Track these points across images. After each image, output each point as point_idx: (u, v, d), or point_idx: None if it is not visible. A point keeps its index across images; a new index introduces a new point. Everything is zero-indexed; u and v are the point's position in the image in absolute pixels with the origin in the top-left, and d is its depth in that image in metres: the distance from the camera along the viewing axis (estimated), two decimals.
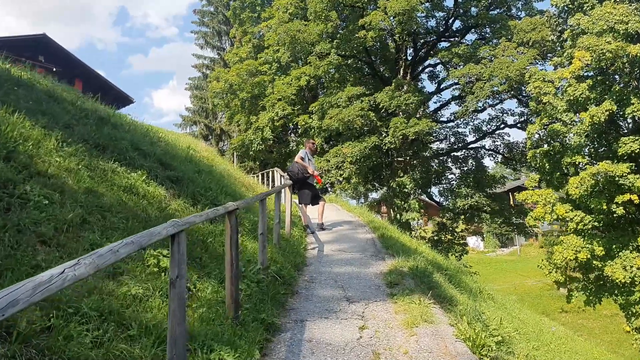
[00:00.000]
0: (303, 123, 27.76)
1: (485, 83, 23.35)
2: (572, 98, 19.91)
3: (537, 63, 24.04)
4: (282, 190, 10.54)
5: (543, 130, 22.26)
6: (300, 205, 11.25)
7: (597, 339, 33.02)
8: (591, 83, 20.01)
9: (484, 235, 39.63)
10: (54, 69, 36.11)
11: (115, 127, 9.09)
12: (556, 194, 21.74)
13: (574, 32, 20.80)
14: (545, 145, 22.70)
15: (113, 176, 6.60)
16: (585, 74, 20.71)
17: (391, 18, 23.78)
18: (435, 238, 28.57)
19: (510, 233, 44.40)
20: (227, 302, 4.53)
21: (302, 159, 10.85)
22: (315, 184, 10.93)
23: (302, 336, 4.58)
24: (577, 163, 21.11)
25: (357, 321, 5.03)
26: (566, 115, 20.81)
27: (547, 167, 22.18)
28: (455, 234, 29.26)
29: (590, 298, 20.86)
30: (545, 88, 20.39)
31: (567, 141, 22.06)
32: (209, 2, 47.87)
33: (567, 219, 20.44)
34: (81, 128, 7.75)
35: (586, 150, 21.35)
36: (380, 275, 7.05)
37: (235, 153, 34.41)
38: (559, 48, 24.03)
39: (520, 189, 54.67)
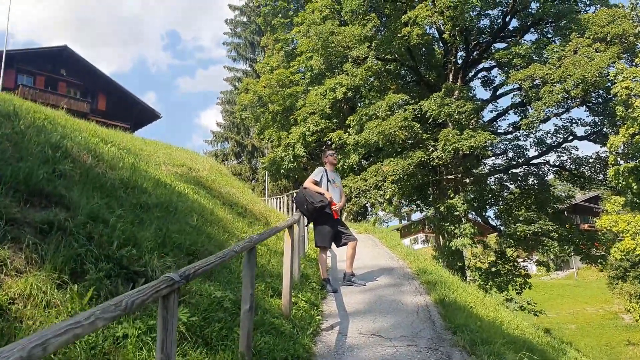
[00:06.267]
0: (337, 139, 24.41)
1: (554, 86, 19.42)
2: None
3: (617, 62, 19.91)
4: (284, 233, 6.42)
5: (629, 142, 18.24)
6: (318, 251, 7.72)
7: None
8: None
9: (549, 264, 35.12)
10: (76, 83, 34.39)
11: None
12: None
13: None
14: (631, 161, 18.67)
15: None
16: None
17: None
18: (493, 269, 24.53)
19: (567, 256, 39.71)
20: None
21: (317, 182, 7.47)
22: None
23: None
24: None
25: None
26: None
27: (635, 186, 18.11)
28: (516, 264, 25.11)
29: None
30: (636, 89, 16.49)
31: None
32: (242, 12, 45.69)
33: None
34: None
35: None
36: None
37: (267, 172, 31.66)
38: None
39: (577, 206, 49.79)
